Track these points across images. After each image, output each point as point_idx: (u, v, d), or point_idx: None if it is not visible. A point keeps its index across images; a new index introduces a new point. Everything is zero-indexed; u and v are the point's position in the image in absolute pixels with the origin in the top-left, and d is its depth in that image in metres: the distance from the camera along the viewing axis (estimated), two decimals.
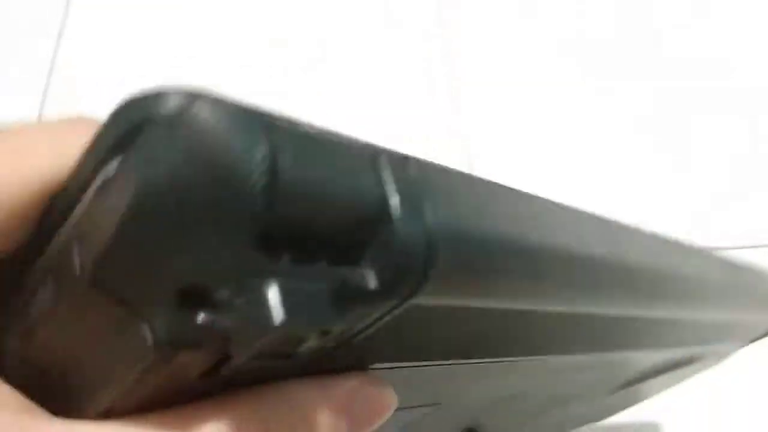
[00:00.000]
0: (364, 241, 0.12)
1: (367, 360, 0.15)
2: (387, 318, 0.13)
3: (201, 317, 0.11)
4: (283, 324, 0.10)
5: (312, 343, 0.11)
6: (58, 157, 0.13)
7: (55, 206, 0.13)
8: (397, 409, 0.16)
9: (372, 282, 0.12)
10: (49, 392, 0.13)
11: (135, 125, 0.11)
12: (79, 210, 0.12)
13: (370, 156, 0.12)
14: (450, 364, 0.17)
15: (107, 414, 0.12)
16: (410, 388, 0.17)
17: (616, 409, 0.35)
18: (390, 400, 0.15)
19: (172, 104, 0.10)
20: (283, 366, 0.12)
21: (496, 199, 0.14)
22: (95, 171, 0.12)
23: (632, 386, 0.30)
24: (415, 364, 0.16)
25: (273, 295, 0.11)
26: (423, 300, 0.13)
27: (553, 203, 0.17)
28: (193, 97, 0.10)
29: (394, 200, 0.12)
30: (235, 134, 0.10)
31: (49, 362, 0.13)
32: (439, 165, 0.14)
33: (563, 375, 0.23)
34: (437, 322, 0.15)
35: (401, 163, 0.12)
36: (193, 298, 0.11)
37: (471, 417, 0.25)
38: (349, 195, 0.11)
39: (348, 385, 0.14)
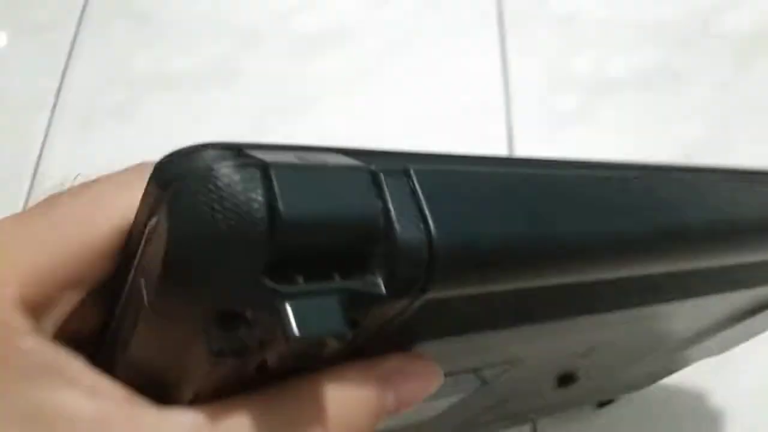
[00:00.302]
0: (368, 255, 0.14)
1: (409, 341, 0.17)
2: (406, 315, 0.15)
3: (240, 332, 0.14)
4: (299, 335, 0.13)
5: (334, 345, 0.14)
6: (128, 200, 0.16)
7: (128, 246, 0.16)
8: (470, 370, 0.19)
9: (379, 290, 0.14)
10: (148, 387, 0.16)
11: (166, 181, 0.14)
12: (139, 252, 0.15)
13: (367, 176, 0.14)
14: (508, 330, 0.18)
15: (192, 401, 0.15)
16: (476, 352, 0.19)
17: (693, 359, 0.38)
18: (433, 375, 0.18)
19: (191, 165, 0.14)
20: (334, 353, 0.15)
21: (500, 194, 0.16)
22: (147, 218, 0.15)
23: (712, 334, 0.31)
24: (460, 337, 0.17)
25: (289, 312, 0.13)
26: (436, 296, 0.15)
27: (564, 177, 0.17)
28: (204, 158, 0.13)
29: (393, 215, 0.14)
30: (235, 189, 0.13)
31: (144, 365, 0.16)
32: (443, 168, 0.15)
33: (648, 325, 0.25)
34: (463, 305, 0.16)
35: (400, 176, 0.14)
36: (231, 318, 0.14)
37: (564, 365, 0.27)
38: (348, 216, 0.14)
39: (389, 364, 0.17)
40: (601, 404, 0.42)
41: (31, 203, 0.17)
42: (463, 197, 0.15)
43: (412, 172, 0.15)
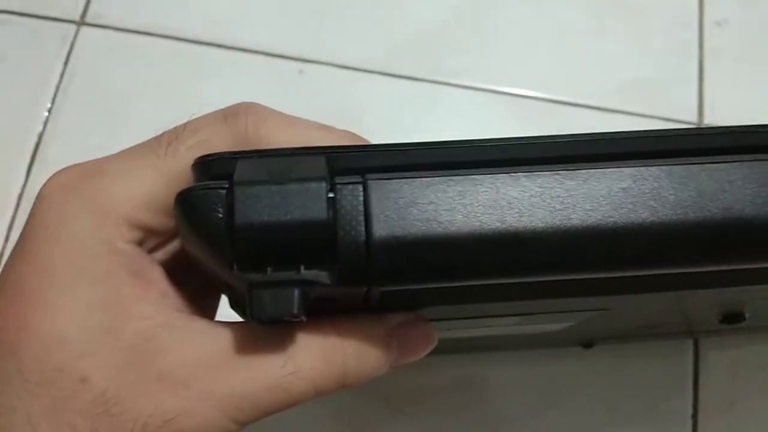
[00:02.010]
0: (321, 253, 0.17)
1: (416, 306, 0.21)
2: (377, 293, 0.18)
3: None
4: (254, 316, 0.17)
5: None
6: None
7: None
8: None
9: (329, 281, 0.18)
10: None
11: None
12: None
13: (322, 188, 0.17)
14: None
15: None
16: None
17: None
18: (430, 335, 0.22)
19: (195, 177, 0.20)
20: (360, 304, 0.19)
21: (447, 197, 0.17)
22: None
23: None
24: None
25: (252, 296, 0.18)
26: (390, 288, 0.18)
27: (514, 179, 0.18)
28: (200, 174, 0.19)
29: (340, 222, 0.17)
30: (205, 207, 0.18)
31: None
32: (402, 176, 0.18)
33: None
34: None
35: (355, 186, 0.17)
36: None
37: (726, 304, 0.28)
38: (297, 223, 0.17)
39: (397, 319, 0.21)
40: None
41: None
42: (412, 203, 0.17)
43: (369, 182, 0.17)
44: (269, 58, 0.45)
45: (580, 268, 0.17)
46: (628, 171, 0.17)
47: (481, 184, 0.17)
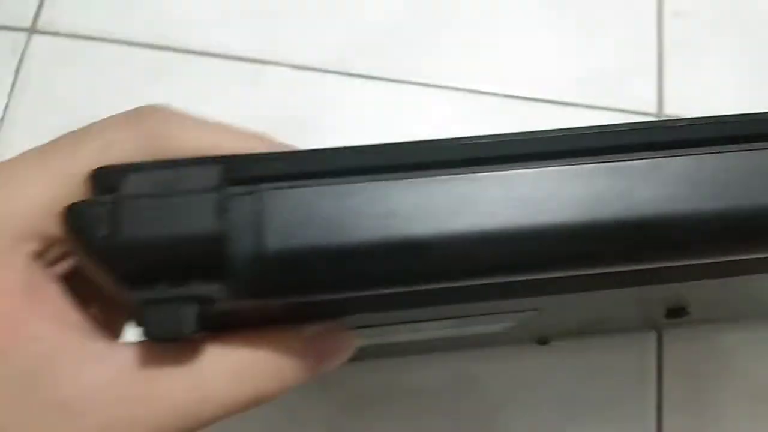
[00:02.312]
0: (212, 267, 0.17)
1: (338, 315, 0.20)
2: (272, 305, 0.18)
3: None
4: (146, 335, 0.17)
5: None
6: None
7: None
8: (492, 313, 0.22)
9: (223, 295, 0.17)
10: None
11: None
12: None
13: (211, 201, 0.17)
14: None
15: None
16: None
17: None
18: (348, 343, 0.21)
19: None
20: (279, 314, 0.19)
21: (343, 205, 0.17)
22: None
23: None
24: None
25: (144, 313, 0.17)
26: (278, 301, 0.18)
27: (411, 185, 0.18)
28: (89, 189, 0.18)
29: (230, 234, 0.17)
30: (91, 222, 0.17)
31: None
32: (297, 185, 0.17)
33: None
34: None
35: (248, 197, 0.17)
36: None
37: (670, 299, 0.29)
38: (184, 237, 0.17)
39: (313, 329, 0.20)
40: None
41: None
42: (308, 213, 0.17)
43: (264, 192, 0.17)
44: (225, 61, 0.44)
45: (479, 273, 0.17)
46: (530, 172, 0.17)
47: (378, 191, 0.17)
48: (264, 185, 0.17)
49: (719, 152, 0.17)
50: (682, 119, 0.18)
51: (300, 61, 0.45)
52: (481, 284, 0.17)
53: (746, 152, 0.17)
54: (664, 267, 0.18)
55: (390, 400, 0.38)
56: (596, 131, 0.18)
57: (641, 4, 0.48)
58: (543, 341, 0.37)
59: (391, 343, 0.25)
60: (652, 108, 0.45)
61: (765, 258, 0.18)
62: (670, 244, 0.17)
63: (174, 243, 0.17)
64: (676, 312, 0.29)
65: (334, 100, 0.44)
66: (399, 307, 0.19)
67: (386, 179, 0.17)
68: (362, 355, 0.23)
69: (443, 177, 0.17)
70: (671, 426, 0.40)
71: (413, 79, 0.45)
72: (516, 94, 0.45)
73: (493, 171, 0.17)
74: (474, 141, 0.17)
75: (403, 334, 0.26)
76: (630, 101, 0.45)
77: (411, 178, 0.17)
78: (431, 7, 0.47)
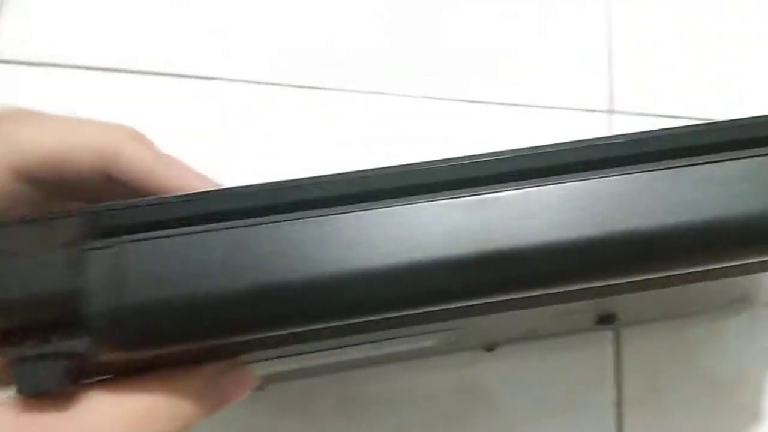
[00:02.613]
0: (71, 323, 0.17)
1: (235, 353, 0.20)
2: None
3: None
4: (20, 393, 0.17)
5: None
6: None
7: None
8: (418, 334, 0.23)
9: (83, 350, 0.17)
10: None
11: None
12: None
13: (63, 259, 0.17)
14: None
15: None
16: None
17: None
18: (247, 378, 0.22)
19: None
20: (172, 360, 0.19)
21: (204, 253, 0.17)
22: None
23: None
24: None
25: (16, 372, 0.17)
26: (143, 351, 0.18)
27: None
28: None
29: (86, 289, 0.17)
30: None
31: None
32: (163, 235, 0.17)
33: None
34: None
35: (108, 251, 0.17)
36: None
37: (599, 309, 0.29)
38: (40, 293, 0.17)
39: (210, 369, 0.21)
40: None
41: None
42: (168, 263, 0.17)
43: (123, 244, 0.17)
44: (175, 79, 0.45)
45: (336, 315, 0.17)
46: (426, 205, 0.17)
47: (238, 237, 0.17)
48: (125, 237, 0.17)
49: (585, 179, 0.17)
50: (547, 145, 0.18)
51: (252, 75, 0.45)
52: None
53: (606, 179, 0.17)
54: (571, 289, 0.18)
55: (340, 413, 0.38)
56: (450, 164, 0.18)
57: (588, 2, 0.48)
58: (490, 348, 0.37)
59: (315, 366, 0.25)
60: (603, 105, 0.45)
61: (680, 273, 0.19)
62: (533, 275, 0.17)
63: (31, 302, 0.17)
64: (606, 318, 0.30)
65: (285, 112, 0.45)
66: (285, 344, 0.19)
67: (244, 225, 0.17)
68: (285, 377, 0.23)
69: (299, 220, 0.17)
70: (632, 423, 0.40)
71: (371, 89, 0.45)
72: (472, 99, 0.45)
73: (351, 211, 0.17)
74: (335, 178, 0.18)
75: (321, 359, 0.26)
76: (581, 99, 0.45)
77: (268, 223, 0.17)
78: (385, 16, 0.47)
